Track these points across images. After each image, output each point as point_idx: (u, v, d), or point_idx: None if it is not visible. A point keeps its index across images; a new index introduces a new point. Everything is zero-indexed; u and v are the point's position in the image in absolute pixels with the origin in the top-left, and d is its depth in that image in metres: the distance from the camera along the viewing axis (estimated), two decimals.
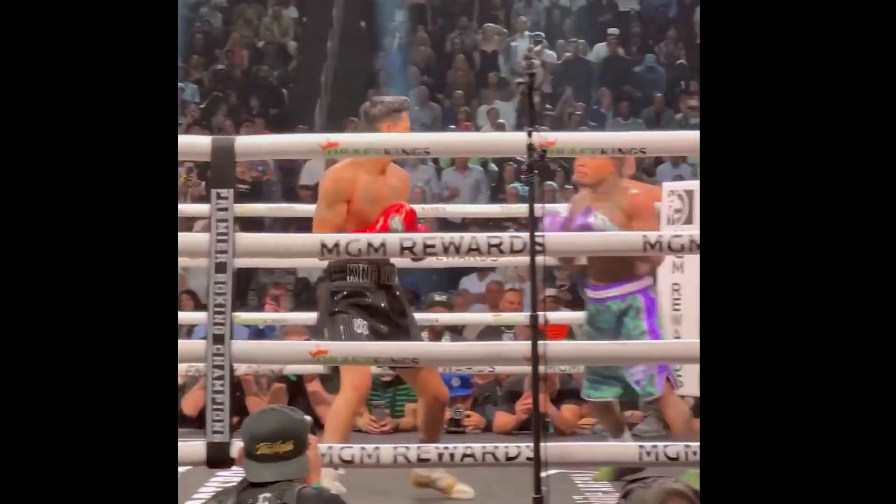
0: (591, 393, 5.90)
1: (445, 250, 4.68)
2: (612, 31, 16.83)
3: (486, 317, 8.72)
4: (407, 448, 4.67)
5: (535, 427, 4.37)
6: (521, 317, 8.09)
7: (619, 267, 5.80)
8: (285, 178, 14.24)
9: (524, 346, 4.49)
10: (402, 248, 4.67)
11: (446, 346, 4.86)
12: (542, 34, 16.30)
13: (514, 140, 4.76)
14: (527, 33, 16.84)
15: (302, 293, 11.51)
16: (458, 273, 11.19)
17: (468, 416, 7.96)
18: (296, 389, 8.29)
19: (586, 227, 5.64)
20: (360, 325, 5.47)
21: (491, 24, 17.30)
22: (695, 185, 7.67)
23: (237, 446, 3.50)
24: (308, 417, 3.62)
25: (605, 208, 5.76)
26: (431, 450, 4.67)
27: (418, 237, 4.71)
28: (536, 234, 4.39)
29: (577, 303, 10.00)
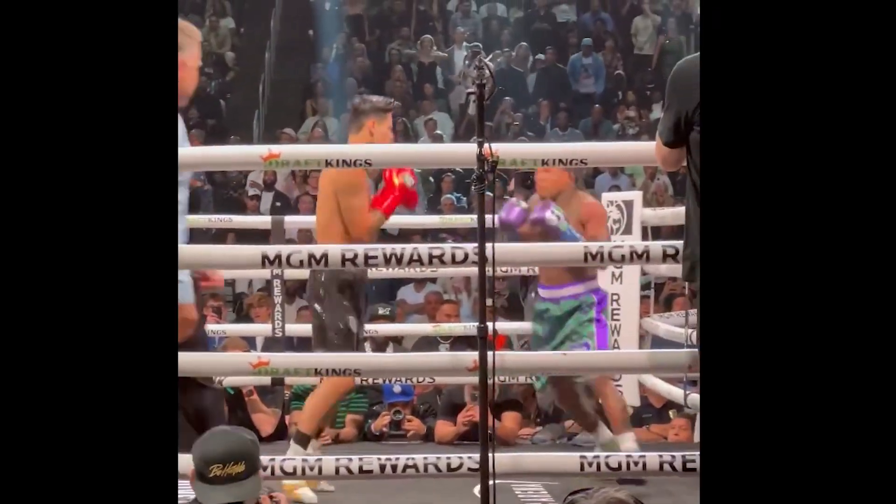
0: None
1: (387, 261, 4.68)
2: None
3: (426, 327, 8.72)
4: (349, 459, 4.66)
5: (482, 437, 4.37)
6: (462, 327, 8.11)
7: (571, 269, 6.02)
8: (219, 189, 14.22)
9: (470, 356, 4.49)
10: (344, 260, 4.66)
11: (390, 356, 4.85)
12: (480, 45, 16.34)
13: (463, 151, 4.76)
14: (465, 44, 16.89)
15: (238, 305, 11.50)
16: (396, 283, 11.19)
17: (409, 421, 7.95)
18: (234, 402, 8.25)
19: (542, 221, 5.87)
20: (353, 321, 5.72)
21: (428, 36, 17.33)
22: (633, 195, 7.74)
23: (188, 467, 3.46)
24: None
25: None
26: (374, 461, 4.66)
27: (360, 249, 4.70)
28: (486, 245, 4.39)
29: (514, 312, 10.07)
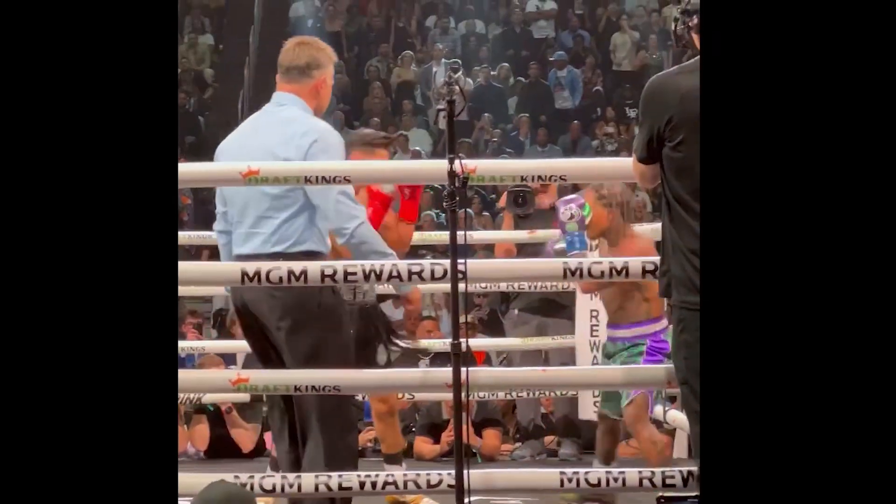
0: (604, 406, 5.85)
1: (366, 277, 4.67)
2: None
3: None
4: (329, 476, 4.64)
5: (457, 453, 4.37)
6: (441, 343, 8.11)
7: (629, 309, 5.64)
8: (200, 206, 14.20)
9: (446, 372, 4.49)
10: (324, 276, 4.65)
11: (368, 373, 4.83)
12: (459, 61, 16.36)
13: (435, 167, 4.76)
14: (443, 60, 16.91)
15: (219, 321, 11.47)
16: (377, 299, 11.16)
17: None
18: (214, 419, 8.24)
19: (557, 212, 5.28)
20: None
21: (408, 52, 17.35)
22: None
23: None
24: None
25: (617, 256, 5.34)
26: (353, 478, 4.65)
27: (339, 265, 4.69)
28: (458, 261, 4.39)
29: (494, 327, 10.05)
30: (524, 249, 7.56)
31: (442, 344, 8.05)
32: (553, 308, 7.75)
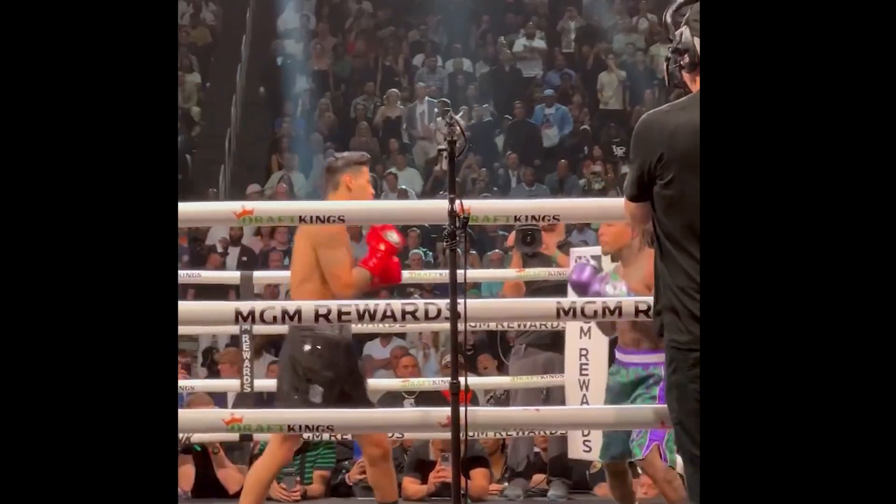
0: (603, 455, 5.86)
1: (360, 317, 4.67)
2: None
3: (395, 382, 8.72)
4: None
5: (454, 494, 4.37)
6: (430, 382, 8.12)
7: (646, 335, 5.65)
8: (192, 244, 14.21)
9: (442, 412, 4.49)
10: (318, 316, 4.65)
11: (362, 412, 4.83)
12: (448, 101, 16.39)
13: (434, 207, 4.77)
14: (427, 98, 16.94)
15: (210, 360, 11.46)
16: (361, 339, 11.17)
17: None
18: (200, 459, 8.21)
19: (598, 294, 5.42)
20: (315, 392, 5.58)
21: (394, 90, 17.39)
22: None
23: None
24: None
25: (626, 275, 5.65)
26: None
27: (333, 304, 4.70)
28: (458, 300, 4.40)
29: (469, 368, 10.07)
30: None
31: (431, 383, 8.09)
32: (563, 344, 7.70)
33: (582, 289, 5.52)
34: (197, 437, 7.66)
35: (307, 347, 5.62)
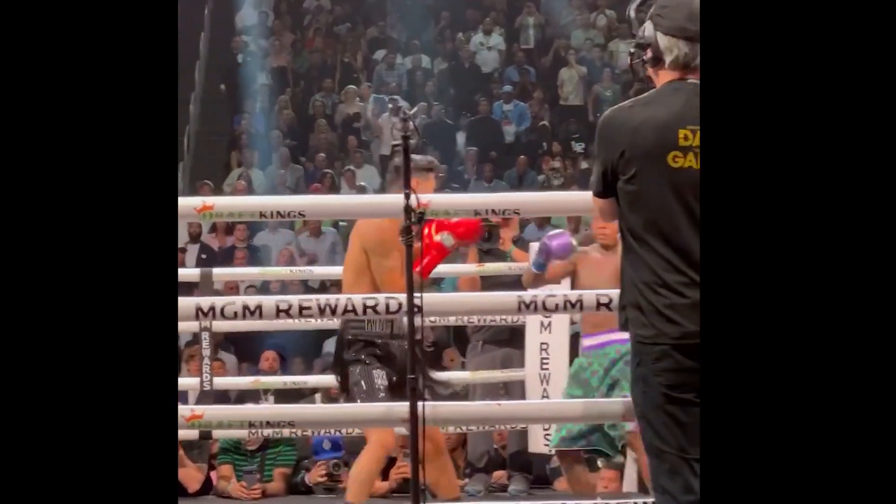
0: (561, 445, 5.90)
1: (321, 312, 4.66)
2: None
3: None
4: None
5: (414, 489, 4.36)
6: None
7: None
8: None
9: (402, 407, 4.48)
10: (279, 311, 4.64)
11: (323, 408, 4.82)
12: (398, 97, 16.39)
13: (391, 202, 4.77)
14: (372, 96, 16.93)
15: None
16: (323, 335, 11.15)
17: (345, 472, 7.94)
18: None
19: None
20: (379, 375, 5.50)
21: (352, 86, 17.37)
22: None
23: None
24: None
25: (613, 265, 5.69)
26: None
27: (294, 299, 4.68)
28: (415, 295, 4.40)
29: (439, 361, 10.06)
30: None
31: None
32: (521, 339, 7.72)
33: (546, 254, 5.74)
34: None
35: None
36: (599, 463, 7.84)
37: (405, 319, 4.43)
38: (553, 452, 5.87)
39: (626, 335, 5.32)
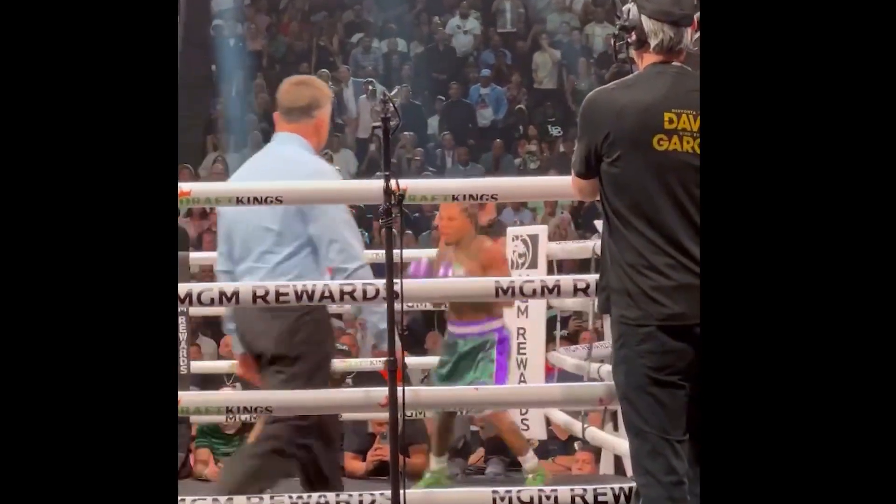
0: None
1: (298, 298, 4.65)
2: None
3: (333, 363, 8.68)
4: (260, 498, 4.63)
5: (393, 473, 4.37)
6: (369, 362, 8.09)
7: (477, 307, 6.11)
8: None
9: (382, 391, 4.49)
10: (255, 297, 4.63)
11: (301, 393, 4.81)
12: (373, 80, 16.37)
13: (370, 186, 4.77)
14: (351, 79, 16.90)
15: None
16: None
17: None
18: None
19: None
20: None
21: (324, 70, 17.34)
22: (538, 229, 7.78)
23: None
24: None
25: (462, 260, 6.11)
26: (285, 499, 4.63)
27: (271, 286, 4.67)
28: (395, 280, 4.39)
29: (415, 345, 10.08)
30: None
31: (370, 363, 8.07)
32: None
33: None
34: None
35: None
36: (576, 445, 7.88)
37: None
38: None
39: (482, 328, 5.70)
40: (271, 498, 4.63)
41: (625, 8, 3.96)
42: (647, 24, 3.89)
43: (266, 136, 16.08)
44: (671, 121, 3.77)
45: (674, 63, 3.86)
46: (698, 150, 3.73)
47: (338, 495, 4.67)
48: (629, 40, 3.95)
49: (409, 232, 13.40)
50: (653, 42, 3.89)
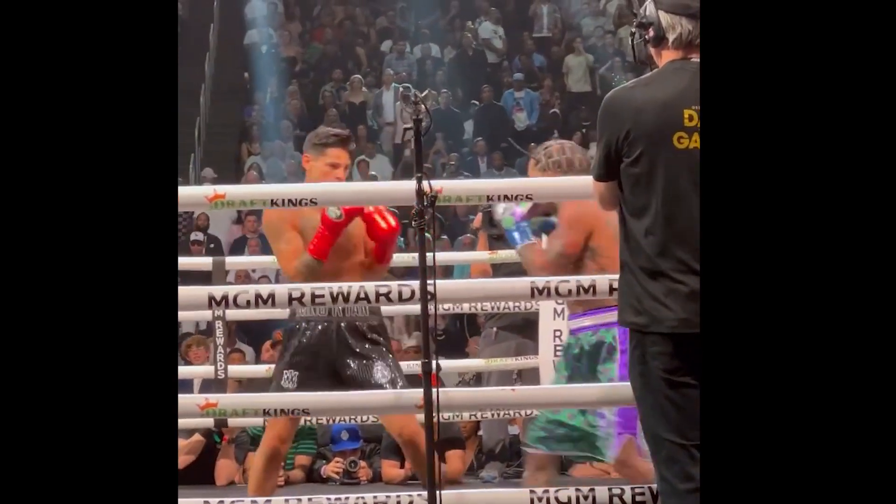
0: (540, 446, 5.26)
1: (334, 300, 4.65)
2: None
3: None
4: (298, 500, 4.63)
5: (429, 475, 4.36)
6: (405, 366, 8.08)
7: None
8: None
9: (417, 393, 4.48)
10: (291, 299, 4.64)
11: (339, 395, 4.81)
12: (410, 86, 16.39)
13: (403, 188, 4.76)
14: (393, 84, 16.92)
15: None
16: None
17: (361, 468, 7.97)
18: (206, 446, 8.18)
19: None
20: (289, 376, 5.50)
21: (357, 76, 17.38)
22: None
23: None
24: None
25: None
26: (323, 500, 4.63)
27: (307, 288, 4.67)
28: (428, 281, 4.38)
29: (451, 348, 10.06)
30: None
31: (407, 366, 8.06)
32: (536, 329, 7.67)
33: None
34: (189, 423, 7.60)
35: None
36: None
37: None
38: (529, 451, 5.44)
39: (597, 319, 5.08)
40: (309, 499, 4.63)
41: (642, 6, 3.94)
42: (665, 18, 3.85)
43: (299, 143, 16.13)
44: (691, 118, 3.71)
45: (692, 59, 3.82)
46: None
47: (375, 496, 4.66)
48: (647, 37, 3.92)
49: (445, 237, 13.41)
50: (671, 36, 3.85)
